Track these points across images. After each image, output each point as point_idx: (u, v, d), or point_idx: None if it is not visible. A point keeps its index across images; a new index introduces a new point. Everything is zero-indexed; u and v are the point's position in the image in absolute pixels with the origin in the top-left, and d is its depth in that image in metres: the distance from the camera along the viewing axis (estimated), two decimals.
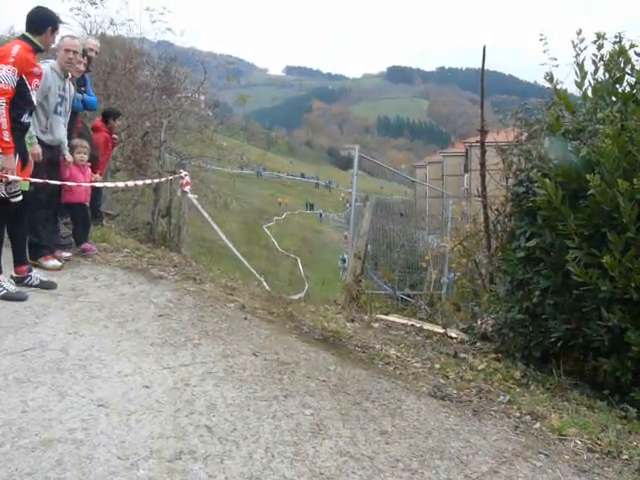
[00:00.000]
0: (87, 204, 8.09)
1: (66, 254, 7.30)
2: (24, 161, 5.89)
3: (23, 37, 5.85)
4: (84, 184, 7.49)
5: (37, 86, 5.89)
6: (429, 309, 9.44)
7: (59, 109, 6.92)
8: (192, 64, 16.54)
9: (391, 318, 7.51)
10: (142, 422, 3.60)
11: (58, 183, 6.89)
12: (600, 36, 5.97)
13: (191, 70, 15.88)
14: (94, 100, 8.53)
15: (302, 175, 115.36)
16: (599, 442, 4.10)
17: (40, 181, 6.22)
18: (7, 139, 5.44)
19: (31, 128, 6.29)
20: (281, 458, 3.40)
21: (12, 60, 5.48)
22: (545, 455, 3.85)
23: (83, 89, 7.95)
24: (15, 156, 5.64)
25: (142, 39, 15.35)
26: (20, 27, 5.85)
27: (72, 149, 7.65)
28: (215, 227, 11.09)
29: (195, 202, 10.61)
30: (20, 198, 5.70)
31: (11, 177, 5.57)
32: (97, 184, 7.75)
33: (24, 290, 5.80)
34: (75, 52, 6.96)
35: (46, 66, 6.72)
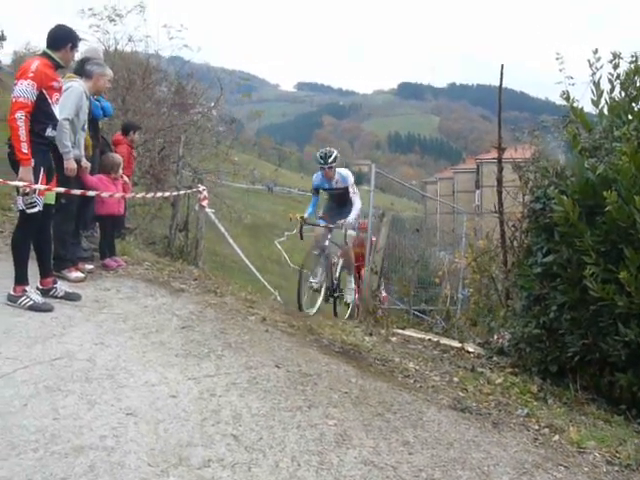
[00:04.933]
0: (119, 216, 8.31)
1: (89, 266, 7.41)
2: (49, 175, 6.01)
3: (44, 53, 6.00)
4: (117, 194, 7.63)
5: (57, 100, 6.01)
6: (445, 324, 9.49)
7: (85, 126, 7.10)
8: (206, 80, 16.65)
9: (408, 332, 7.57)
10: (170, 431, 3.68)
11: (90, 194, 7.03)
12: (616, 55, 6.06)
13: (208, 86, 16.01)
14: (109, 106, 8.70)
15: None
16: (618, 455, 4.16)
17: (62, 190, 6.32)
18: (25, 151, 5.54)
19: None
20: (307, 467, 3.47)
21: (31, 75, 5.63)
22: (565, 467, 3.91)
23: (96, 97, 8.06)
24: (39, 170, 5.76)
25: (158, 56, 15.49)
26: (35, 43, 6.02)
27: (110, 166, 7.88)
28: (231, 242, 11.19)
29: (212, 217, 10.72)
30: (36, 209, 5.77)
31: (35, 187, 5.68)
32: (118, 195, 7.83)
33: (49, 301, 5.90)
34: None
35: (78, 85, 6.91)
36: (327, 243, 9.23)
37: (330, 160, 9.39)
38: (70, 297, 6.14)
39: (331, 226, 9.42)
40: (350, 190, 9.52)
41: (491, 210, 8.55)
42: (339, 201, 9.86)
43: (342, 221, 9.16)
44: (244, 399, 4.28)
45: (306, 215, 9.71)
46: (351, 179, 9.67)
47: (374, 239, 11.41)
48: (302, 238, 9.65)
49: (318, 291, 9.23)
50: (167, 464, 3.29)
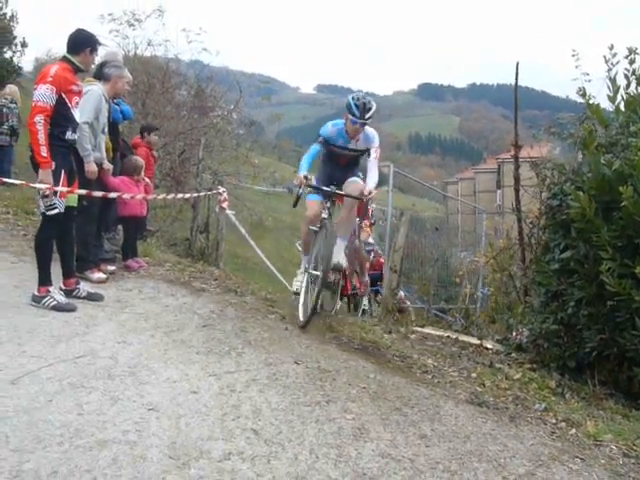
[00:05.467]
0: (142, 218, 8.45)
1: (111, 267, 7.51)
2: (70, 177, 6.10)
3: (64, 58, 6.08)
4: (138, 195, 7.72)
5: (77, 103, 6.10)
6: (464, 321, 9.52)
7: (105, 129, 7.20)
8: (225, 83, 16.76)
9: (427, 330, 7.61)
10: (191, 425, 3.76)
11: (111, 195, 7.13)
12: (632, 51, 6.07)
13: (227, 89, 16.12)
14: (129, 109, 8.78)
15: None
16: (635, 448, 4.19)
17: (83, 192, 6.42)
18: (44, 154, 5.64)
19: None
20: (325, 459, 3.54)
21: (50, 79, 5.73)
22: (581, 459, 3.96)
23: (115, 100, 8.14)
24: (60, 172, 5.86)
25: (177, 60, 15.63)
26: (56, 50, 6.10)
27: (132, 169, 7.99)
28: (252, 243, 11.28)
29: (233, 218, 10.80)
30: (56, 211, 5.87)
31: (58, 189, 5.79)
32: (139, 196, 7.91)
33: (73, 302, 6.01)
34: (130, 83, 7.55)
35: (96, 88, 7.01)
36: (325, 215, 7.04)
37: (368, 115, 6.88)
38: (93, 297, 6.24)
39: (340, 192, 7.20)
40: (372, 154, 7.15)
41: (511, 208, 8.55)
42: (343, 166, 7.56)
43: (367, 192, 6.86)
44: (264, 394, 4.36)
45: (305, 172, 7.07)
46: (378, 139, 7.34)
47: (382, 260, 11.15)
48: (295, 206, 7.27)
49: (298, 294, 7.17)
50: (188, 457, 3.36)
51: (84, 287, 6.35)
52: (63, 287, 6.20)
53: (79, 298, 6.17)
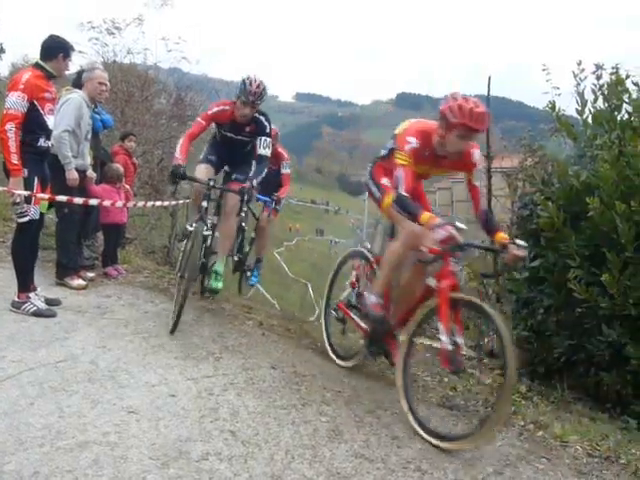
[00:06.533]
0: (122, 225, 8.58)
1: (90, 274, 7.56)
2: (44, 184, 6.10)
3: (36, 64, 6.04)
4: (118, 203, 7.75)
5: (51, 110, 6.07)
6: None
7: (88, 136, 7.22)
8: (205, 91, 16.77)
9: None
10: (170, 427, 3.86)
11: (92, 202, 7.13)
12: (599, 67, 6.27)
13: (205, 98, 16.14)
14: (109, 118, 8.81)
15: (313, 201, 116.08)
16: (599, 448, 4.35)
17: (64, 199, 6.40)
18: (15, 162, 5.64)
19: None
20: (300, 460, 3.66)
21: (22, 87, 5.70)
22: (547, 459, 4.11)
23: (96, 110, 8.17)
24: (33, 179, 5.85)
25: (156, 67, 15.63)
26: (33, 55, 6.05)
27: (115, 176, 8.05)
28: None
29: None
30: (27, 219, 5.85)
31: (41, 195, 5.84)
32: (120, 203, 7.93)
33: (53, 308, 6.03)
34: (105, 84, 7.51)
35: (77, 96, 7.04)
36: None
37: None
38: (51, 303, 6.20)
39: None
40: None
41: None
42: None
43: None
44: (241, 398, 4.46)
45: None
46: None
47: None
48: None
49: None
50: (167, 457, 3.47)
51: (35, 301, 6.09)
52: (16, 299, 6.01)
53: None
